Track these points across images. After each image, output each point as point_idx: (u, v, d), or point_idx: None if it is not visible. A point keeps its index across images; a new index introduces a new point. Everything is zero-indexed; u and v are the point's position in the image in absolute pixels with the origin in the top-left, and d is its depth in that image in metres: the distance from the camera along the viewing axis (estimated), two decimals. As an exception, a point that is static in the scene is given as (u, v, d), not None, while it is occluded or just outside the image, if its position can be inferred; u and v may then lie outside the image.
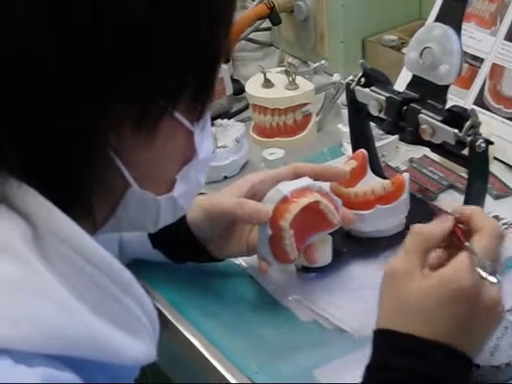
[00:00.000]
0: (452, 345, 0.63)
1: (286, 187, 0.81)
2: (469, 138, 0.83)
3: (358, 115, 0.99)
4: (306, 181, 0.82)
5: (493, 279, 0.64)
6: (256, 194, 0.84)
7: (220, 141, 1.10)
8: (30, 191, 0.51)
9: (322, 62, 1.24)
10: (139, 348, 0.54)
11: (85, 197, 0.54)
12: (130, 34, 0.50)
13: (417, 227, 0.68)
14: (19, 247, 0.49)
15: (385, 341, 0.65)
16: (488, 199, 0.91)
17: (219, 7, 0.55)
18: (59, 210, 0.51)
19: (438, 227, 0.68)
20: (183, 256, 0.88)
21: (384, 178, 0.98)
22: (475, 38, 1.14)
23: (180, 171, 0.61)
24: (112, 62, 0.50)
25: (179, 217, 0.66)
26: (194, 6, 0.53)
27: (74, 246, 0.50)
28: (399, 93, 0.91)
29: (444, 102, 0.87)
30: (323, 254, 0.85)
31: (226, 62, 1.29)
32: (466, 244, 0.67)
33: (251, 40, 1.51)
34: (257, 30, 1.47)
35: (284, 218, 0.79)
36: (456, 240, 0.69)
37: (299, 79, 1.18)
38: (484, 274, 0.64)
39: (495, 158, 1.05)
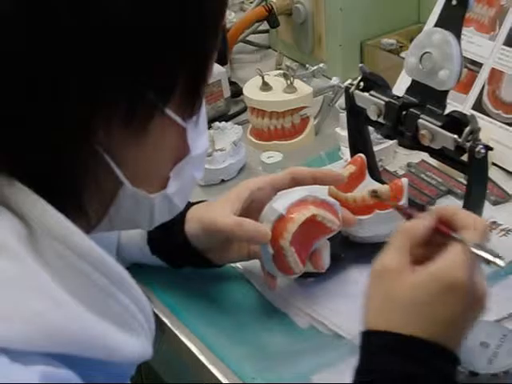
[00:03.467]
0: (443, 343, 0.62)
1: (281, 204, 0.80)
2: (468, 144, 0.83)
3: (357, 119, 0.99)
4: (299, 193, 0.82)
5: (500, 262, 0.63)
6: (255, 201, 0.84)
7: (217, 144, 1.09)
8: (23, 189, 0.51)
9: (320, 65, 1.24)
10: (135, 345, 0.53)
11: (77, 195, 0.53)
12: (119, 28, 0.50)
13: (404, 225, 0.68)
14: (14, 245, 0.49)
15: (379, 342, 0.64)
16: (486, 205, 0.91)
17: (209, 3, 0.54)
18: (53, 208, 0.50)
19: (422, 224, 0.67)
20: (182, 262, 0.87)
21: (382, 182, 0.98)
22: (474, 42, 1.14)
23: (173, 168, 0.60)
24: (101, 57, 0.50)
25: (175, 214, 0.65)
26: (183, 1, 0.52)
27: (67, 243, 0.50)
28: (398, 97, 0.91)
29: (443, 107, 0.87)
30: (325, 259, 0.85)
31: (224, 64, 1.29)
32: (456, 236, 0.66)
33: (249, 42, 1.50)
34: (255, 32, 1.47)
35: (283, 237, 0.79)
36: (438, 238, 0.67)
37: (297, 82, 1.18)
38: (491, 258, 0.63)
39: (493, 164, 1.05)
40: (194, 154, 0.61)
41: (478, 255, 0.63)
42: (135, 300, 0.53)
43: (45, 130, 0.51)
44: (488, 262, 0.64)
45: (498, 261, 0.63)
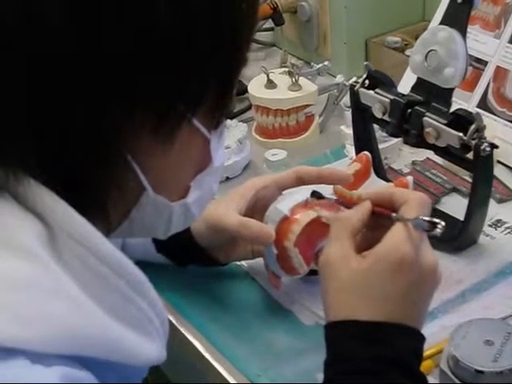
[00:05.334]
0: (401, 321, 0.64)
1: (285, 205, 0.81)
2: (473, 142, 0.83)
3: (362, 117, 0.99)
4: (304, 193, 0.82)
5: (441, 221, 0.65)
6: (260, 200, 0.84)
7: (222, 141, 1.09)
8: (46, 191, 0.50)
9: (325, 63, 1.24)
10: (150, 348, 0.53)
11: (100, 199, 0.53)
12: (153, 36, 0.50)
13: (335, 215, 0.72)
14: (34, 247, 0.49)
15: (339, 332, 0.65)
16: (491, 203, 0.91)
17: (242, 14, 0.54)
18: (74, 210, 0.50)
19: (355, 210, 0.71)
20: (187, 260, 0.88)
21: (387, 180, 0.98)
22: (479, 40, 1.14)
23: (195, 178, 0.60)
24: (135, 63, 0.50)
25: (190, 224, 0.66)
26: (217, 11, 0.52)
27: (88, 246, 0.50)
28: (403, 95, 0.91)
29: (449, 105, 0.87)
30: None
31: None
32: (394, 214, 0.68)
33: (254, 40, 1.49)
34: (259, 30, 1.47)
35: (288, 238, 0.79)
36: (384, 221, 0.69)
37: (302, 80, 1.18)
38: (430, 225, 0.65)
39: (498, 162, 1.05)
40: (215, 166, 0.61)
41: (419, 227, 0.65)
42: (152, 304, 0.54)
43: (77, 134, 0.50)
44: (431, 228, 0.65)
45: (436, 220, 0.65)
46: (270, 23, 1.45)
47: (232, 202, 0.83)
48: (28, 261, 0.48)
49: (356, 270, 0.65)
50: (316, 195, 0.81)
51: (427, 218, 0.66)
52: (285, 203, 0.81)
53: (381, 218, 0.70)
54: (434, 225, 0.65)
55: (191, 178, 0.60)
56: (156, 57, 0.50)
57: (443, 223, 0.65)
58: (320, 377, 0.74)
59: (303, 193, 0.83)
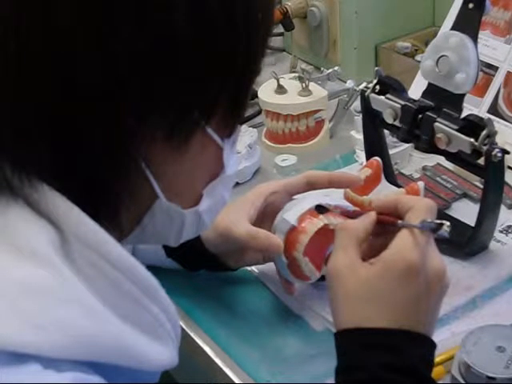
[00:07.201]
0: (409, 328, 0.64)
1: (292, 215, 0.80)
2: (485, 148, 0.83)
3: (373, 123, 0.99)
4: (312, 200, 0.82)
5: (446, 222, 0.65)
6: (270, 206, 0.84)
7: (232, 146, 1.09)
8: (60, 197, 0.50)
9: (335, 68, 1.23)
10: (163, 353, 0.53)
11: (113, 206, 0.53)
12: (169, 41, 0.50)
13: (340, 225, 0.72)
14: (47, 252, 0.49)
15: (350, 340, 0.66)
16: (502, 208, 0.91)
17: (257, 23, 0.54)
18: (86, 216, 0.50)
19: (360, 220, 0.71)
20: (197, 266, 0.88)
21: (398, 186, 0.98)
22: (490, 46, 1.13)
23: (207, 186, 0.60)
24: (150, 69, 0.50)
25: (201, 232, 0.66)
26: (233, 19, 0.52)
27: (101, 252, 0.50)
28: (414, 101, 0.91)
29: (460, 110, 0.87)
30: None
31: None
32: (400, 222, 0.68)
33: (264, 46, 1.50)
34: (269, 35, 1.47)
35: (296, 249, 0.79)
36: (390, 227, 0.69)
37: (312, 85, 1.18)
38: (438, 221, 0.65)
39: (509, 167, 1.04)
40: (228, 174, 0.61)
41: (425, 231, 0.66)
42: (164, 309, 0.54)
43: (91, 140, 0.50)
44: (438, 227, 0.66)
45: (442, 221, 0.65)
46: (279, 28, 1.44)
47: (242, 210, 0.83)
48: (41, 266, 0.48)
49: (364, 278, 0.65)
50: (320, 210, 0.81)
51: (432, 220, 0.66)
52: (292, 212, 0.81)
53: (387, 225, 0.70)
54: (440, 226, 0.65)
55: (203, 186, 0.60)
56: (171, 62, 0.50)
57: (448, 223, 0.65)
58: (330, 382, 0.74)
59: (312, 199, 0.82)
